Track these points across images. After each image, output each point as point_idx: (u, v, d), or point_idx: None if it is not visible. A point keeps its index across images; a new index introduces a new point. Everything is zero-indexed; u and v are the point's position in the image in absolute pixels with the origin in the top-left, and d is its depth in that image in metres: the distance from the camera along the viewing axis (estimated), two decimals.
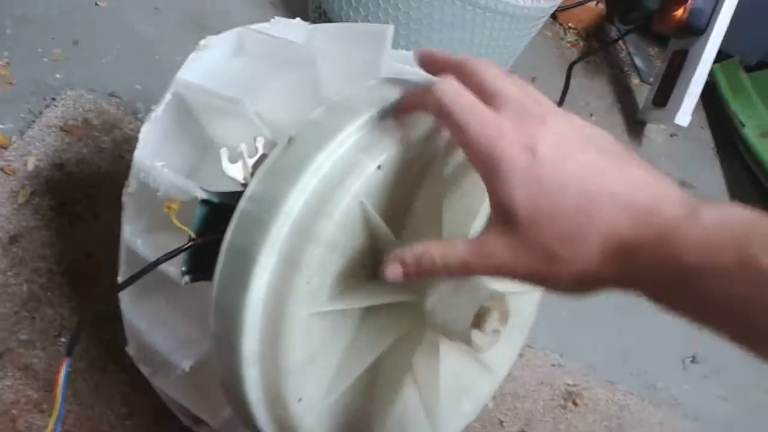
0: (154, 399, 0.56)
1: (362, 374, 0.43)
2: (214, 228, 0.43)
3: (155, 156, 0.48)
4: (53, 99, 0.78)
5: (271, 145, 0.43)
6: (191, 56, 0.51)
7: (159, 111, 0.49)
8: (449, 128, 0.36)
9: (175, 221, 0.44)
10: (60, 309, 0.61)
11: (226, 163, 0.42)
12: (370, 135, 0.41)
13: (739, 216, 0.30)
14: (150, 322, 0.49)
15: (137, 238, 0.48)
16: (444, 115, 0.36)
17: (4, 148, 0.71)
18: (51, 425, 0.41)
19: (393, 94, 0.42)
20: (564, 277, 0.33)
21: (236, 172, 0.43)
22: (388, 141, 0.40)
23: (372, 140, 0.40)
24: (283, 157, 0.41)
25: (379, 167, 0.39)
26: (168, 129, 0.50)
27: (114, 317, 0.52)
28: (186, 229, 0.43)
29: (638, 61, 1.42)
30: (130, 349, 0.52)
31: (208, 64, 0.51)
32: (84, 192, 0.70)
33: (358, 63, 0.48)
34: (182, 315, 0.50)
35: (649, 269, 0.31)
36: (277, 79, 0.48)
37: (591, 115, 1.25)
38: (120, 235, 0.49)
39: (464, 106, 0.35)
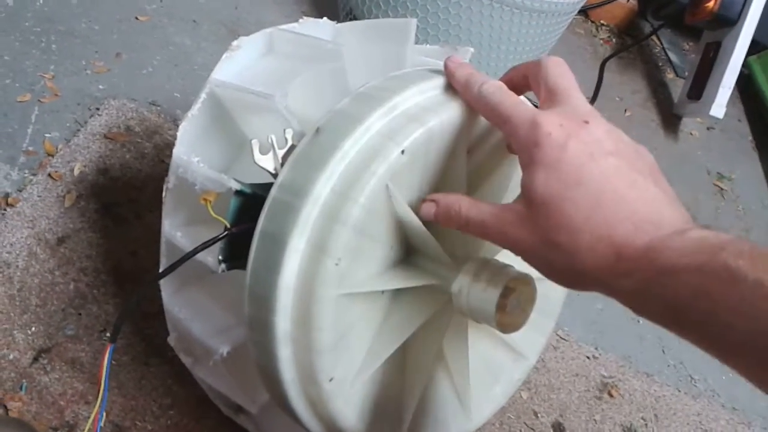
0: (196, 390, 0.58)
1: (392, 356, 0.45)
2: (248, 218, 0.45)
3: (192, 152, 0.50)
4: (97, 109, 0.81)
5: (300, 136, 0.45)
6: (224, 56, 0.53)
7: (195, 110, 0.51)
8: (496, 123, 0.40)
9: (212, 212, 0.46)
10: (105, 306, 0.64)
11: (257, 154, 0.44)
12: (394, 121, 0.42)
13: (723, 236, 0.32)
14: (190, 312, 0.51)
15: (176, 231, 0.50)
16: (492, 113, 0.40)
17: (51, 155, 0.74)
18: (96, 408, 0.43)
19: (417, 83, 0.43)
20: (558, 264, 0.36)
21: (267, 162, 0.44)
22: (412, 126, 0.41)
23: (396, 126, 0.41)
24: (311, 146, 0.43)
25: (403, 152, 0.40)
26: (204, 127, 0.52)
27: (156, 314, 0.54)
28: (221, 219, 0.45)
29: (672, 56, 1.41)
30: (172, 340, 0.54)
31: (240, 63, 0.53)
32: (127, 195, 0.73)
33: (383, 56, 0.50)
34: (220, 304, 0.52)
35: (630, 272, 0.33)
36: (306, 74, 0.49)
37: (625, 110, 1.24)
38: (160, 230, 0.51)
39: (511, 103, 0.39)
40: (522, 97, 0.42)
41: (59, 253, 0.65)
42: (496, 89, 0.40)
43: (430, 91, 0.44)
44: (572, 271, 0.36)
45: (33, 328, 0.60)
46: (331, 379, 0.41)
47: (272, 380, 0.43)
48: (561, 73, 0.40)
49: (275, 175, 0.44)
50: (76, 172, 0.73)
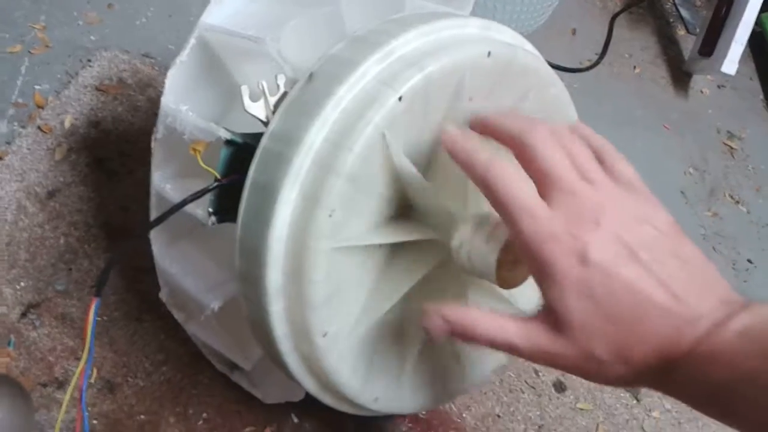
0: (189, 346, 0.57)
1: (389, 312, 0.43)
2: (239, 169, 0.43)
3: (181, 101, 0.48)
4: (89, 60, 0.79)
5: (292, 82, 0.42)
6: (212, 1, 0.51)
7: (183, 56, 0.49)
8: (501, 215, 0.37)
9: (201, 163, 0.44)
10: (96, 261, 0.62)
11: (247, 101, 0.42)
12: (391, 67, 0.40)
13: (765, 323, 0.32)
14: (181, 267, 0.50)
15: (166, 183, 0.49)
16: (497, 203, 0.36)
17: (41, 107, 0.72)
18: (82, 364, 0.42)
19: (417, 26, 0.41)
20: (609, 376, 0.35)
21: (258, 110, 0.42)
22: (410, 72, 0.39)
23: (393, 72, 0.39)
24: (304, 92, 0.41)
25: (400, 98, 0.38)
26: (193, 74, 0.50)
27: (148, 269, 0.53)
28: (211, 170, 0.43)
29: (684, 12, 1.37)
30: (164, 295, 0.52)
31: (231, 6, 0.51)
32: (119, 149, 0.71)
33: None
34: (211, 259, 0.50)
35: (682, 383, 0.33)
36: (300, 18, 0.47)
37: (635, 67, 1.21)
38: (149, 182, 0.49)
39: (516, 197, 0.35)
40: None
41: (49, 207, 0.64)
42: (502, 176, 0.36)
43: (431, 34, 0.42)
44: (623, 380, 0.35)
45: (22, 283, 0.59)
46: (324, 334, 0.40)
47: (264, 335, 0.41)
48: (552, 153, 0.37)
49: (266, 124, 0.42)
50: (67, 124, 0.71)
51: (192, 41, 0.49)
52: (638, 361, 0.34)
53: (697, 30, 1.30)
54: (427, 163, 0.43)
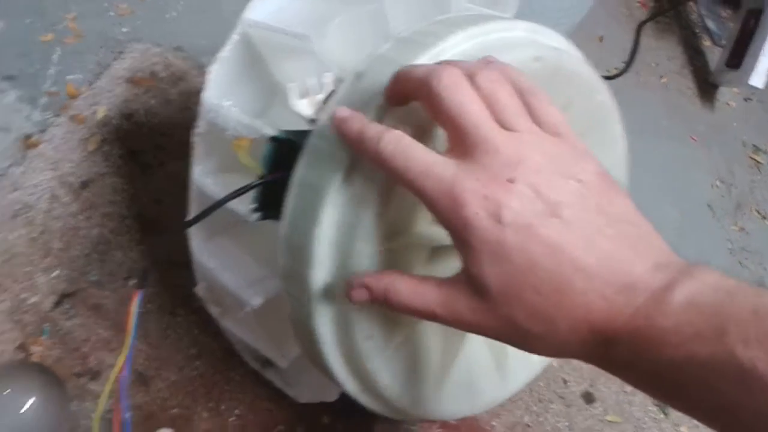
0: (222, 342, 0.57)
1: None
2: (281, 166, 0.43)
3: (224, 96, 0.48)
4: (120, 52, 0.79)
5: (338, 81, 0.42)
6: None
7: (226, 51, 0.49)
8: (406, 188, 0.33)
9: (243, 159, 0.44)
10: (129, 253, 0.62)
11: (293, 99, 0.42)
12: None
13: (711, 294, 0.28)
14: (220, 262, 0.49)
15: (207, 178, 0.48)
16: (398, 178, 0.33)
17: (74, 98, 0.72)
18: (122, 357, 0.42)
19: (465, 29, 0.41)
20: (539, 348, 0.32)
21: (304, 107, 0.42)
22: None
23: None
24: (352, 92, 0.41)
25: None
26: (235, 70, 0.50)
27: (183, 264, 0.53)
28: (255, 166, 0.43)
29: (710, 23, 1.36)
30: (200, 290, 0.52)
31: (273, 3, 0.51)
32: (152, 141, 0.71)
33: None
34: (251, 255, 0.50)
35: (623, 361, 0.30)
36: (344, 16, 0.47)
37: (661, 77, 1.21)
38: (189, 177, 0.49)
39: (414, 162, 0.32)
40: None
41: (82, 197, 0.64)
42: (397, 146, 0.32)
43: (479, 36, 0.42)
44: (558, 353, 0.32)
45: (55, 272, 0.59)
46: (369, 337, 0.40)
47: (307, 335, 0.41)
48: (461, 99, 0.32)
49: (312, 121, 0.42)
50: (100, 115, 0.71)
51: (235, 37, 0.49)
52: (566, 333, 0.30)
53: (723, 41, 1.30)
54: None
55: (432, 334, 0.44)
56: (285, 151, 0.43)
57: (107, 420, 0.45)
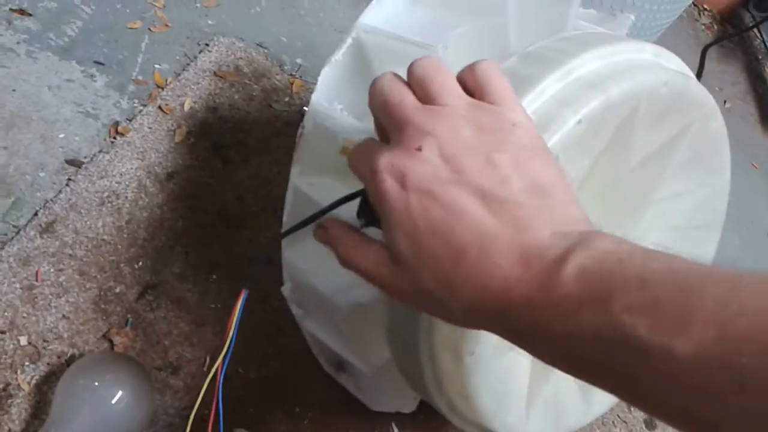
0: (297, 342, 0.57)
1: None
2: None
3: (333, 99, 0.48)
4: (206, 44, 0.79)
5: None
6: (373, 2, 0.50)
7: (339, 55, 0.49)
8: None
9: None
10: (213, 248, 0.62)
11: None
12: (570, 87, 0.39)
13: (601, 262, 0.27)
14: (310, 264, 0.49)
15: (306, 180, 0.48)
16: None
17: (161, 87, 0.73)
18: (223, 353, 0.41)
19: (597, 47, 0.40)
20: (447, 317, 0.32)
21: None
22: (591, 93, 0.38)
23: (573, 92, 0.38)
24: None
25: (580, 121, 0.37)
26: (345, 75, 0.50)
27: (262, 262, 0.52)
28: None
29: None
30: (286, 290, 0.52)
31: (388, 10, 0.50)
32: (235, 137, 0.71)
33: (548, 15, 0.46)
34: None
35: (523, 334, 0.29)
36: (465, 27, 0.46)
37: (725, 102, 1.19)
38: (288, 176, 0.49)
39: (359, 153, 0.33)
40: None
41: (168, 189, 0.64)
42: (356, 149, 0.34)
43: (609, 57, 0.41)
44: (468, 323, 0.32)
45: (140, 263, 0.59)
46: (472, 353, 0.39)
47: (405, 346, 0.40)
48: (391, 90, 0.33)
49: None
50: (186, 107, 0.71)
51: (349, 41, 0.49)
52: (468, 301, 0.30)
53: None
54: (578, 191, 0.42)
55: (525, 356, 0.43)
56: None
57: (182, 417, 0.44)
